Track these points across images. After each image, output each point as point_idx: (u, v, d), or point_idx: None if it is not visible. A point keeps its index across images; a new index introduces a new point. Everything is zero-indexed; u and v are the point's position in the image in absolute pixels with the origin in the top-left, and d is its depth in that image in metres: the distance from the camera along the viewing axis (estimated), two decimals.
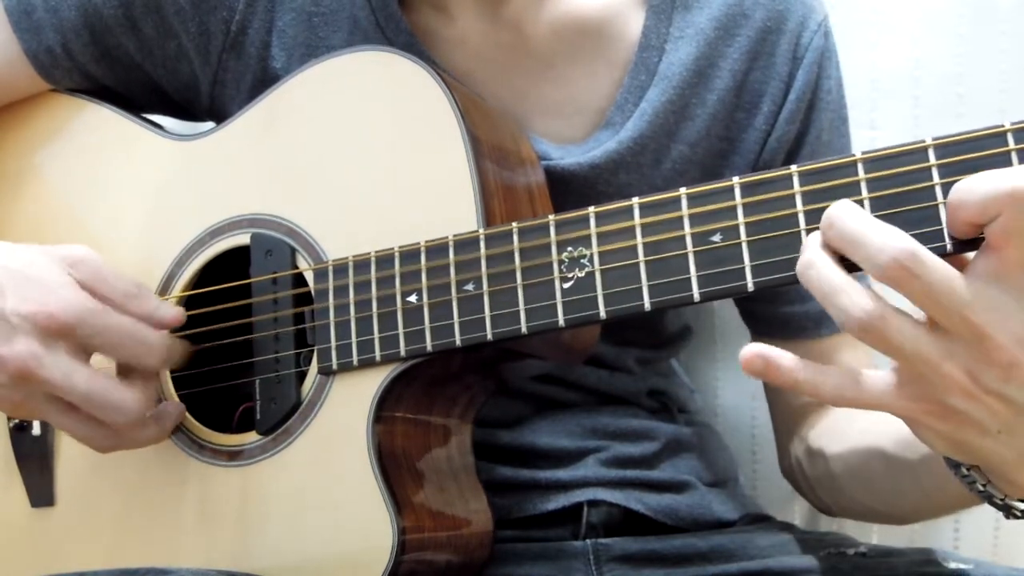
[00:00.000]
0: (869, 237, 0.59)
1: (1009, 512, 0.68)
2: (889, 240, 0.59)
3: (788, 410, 1.01)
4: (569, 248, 0.74)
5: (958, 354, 0.60)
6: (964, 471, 0.67)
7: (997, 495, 0.67)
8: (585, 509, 0.90)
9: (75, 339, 0.77)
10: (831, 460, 0.92)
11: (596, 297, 0.73)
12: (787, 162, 0.94)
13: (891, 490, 0.87)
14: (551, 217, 0.75)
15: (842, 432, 0.92)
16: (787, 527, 0.98)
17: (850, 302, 0.60)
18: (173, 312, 0.83)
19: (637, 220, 0.72)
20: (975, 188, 0.59)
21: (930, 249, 0.59)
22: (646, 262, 0.72)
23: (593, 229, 0.74)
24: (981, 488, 0.68)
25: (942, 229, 0.62)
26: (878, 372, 0.62)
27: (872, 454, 0.86)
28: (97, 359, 0.79)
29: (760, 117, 0.93)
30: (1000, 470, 0.65)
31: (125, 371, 0.81)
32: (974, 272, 0.60)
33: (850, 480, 0.91)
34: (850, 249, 0.61)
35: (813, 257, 0.62)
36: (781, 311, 0.98)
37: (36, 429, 0.91)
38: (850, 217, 0.61)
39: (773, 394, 1.03)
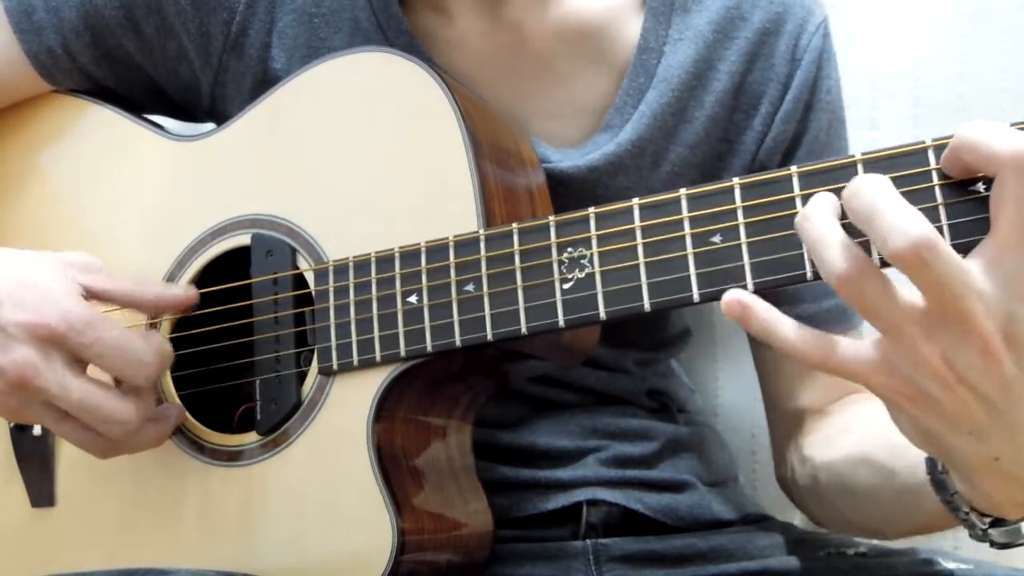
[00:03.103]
0: (889, 215, 0.56)
1: (974, 530, 0.67)
2: (908, 223, 0.56)
3: (786, 416, 0.99)
4: (569, 249, 0.74)
5: (937, 336, 0.58)
6: (939, 476, 0.66)
7: (963, 507, 0.66)
8: (585, 509, 0.90)
9: (70, 349, 0.77)
10: (819, 468, 0.91)
11: (596, 298, 0.73)
12: (784, 163, 0.93)
13: (872, 501, 0.85)
14: (551, 218, 0.75)
15: (835, 440, 0.91)
16: (787, 527, 0.98)
17: (833, 255, 0.58)
18: (182, 295, 0.84)
19: (637, 222, 0.72)
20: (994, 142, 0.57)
21: None
22: (646, 263, 0.71)
23: (593, 230, 0.74)
24: (948, 499, 0.67)
25: (942, 227, 0.61)
26: (860, 341, 0.60)
27: (859, 462, 0.85)
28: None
29: (758, 119, 0.93)
30: (967, 473, 0.64)
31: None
32: (981, 257, 0.57)
33: (834, 488, 0.89)
34: (866, 223, 0.57)
35: (812, 211, 0.60)
36: None
37: (37, 429, 0.91)
38: (874, 189, 0.58)
39: (771, 400, 1.02)
